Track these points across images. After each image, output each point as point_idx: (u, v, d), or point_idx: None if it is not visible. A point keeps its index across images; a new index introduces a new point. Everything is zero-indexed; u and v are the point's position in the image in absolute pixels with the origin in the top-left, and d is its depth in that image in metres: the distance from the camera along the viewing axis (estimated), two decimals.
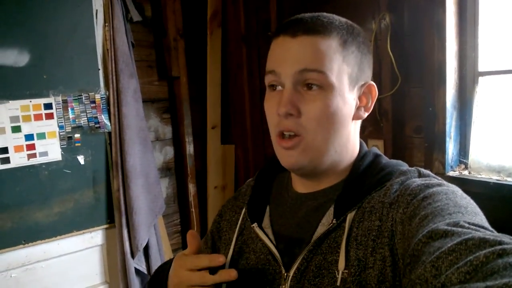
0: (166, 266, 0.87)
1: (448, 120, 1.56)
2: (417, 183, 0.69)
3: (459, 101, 1.59)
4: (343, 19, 0.76)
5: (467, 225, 0.53)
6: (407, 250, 0.58)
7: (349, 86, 0.74)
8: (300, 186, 0.82)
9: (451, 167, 1.59)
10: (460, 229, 0.51)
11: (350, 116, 0.75)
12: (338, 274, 0.67)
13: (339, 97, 0.72)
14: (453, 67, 1.56)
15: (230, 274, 0.70)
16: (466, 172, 1.57)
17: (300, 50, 0.71)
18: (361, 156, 0.80)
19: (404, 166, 0.78)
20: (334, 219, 0.71)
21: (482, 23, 1.52)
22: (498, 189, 1.43)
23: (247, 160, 2.51)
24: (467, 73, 1.57)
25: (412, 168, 0.76)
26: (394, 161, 0.79)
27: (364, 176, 0.76)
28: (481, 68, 1.54)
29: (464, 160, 1.60)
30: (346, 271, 0.67)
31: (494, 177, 1.49)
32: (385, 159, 0.80)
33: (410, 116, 1.69)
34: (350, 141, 0.78)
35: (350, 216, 0.71)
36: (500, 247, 0.43)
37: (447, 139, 1.57)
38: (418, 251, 0.53)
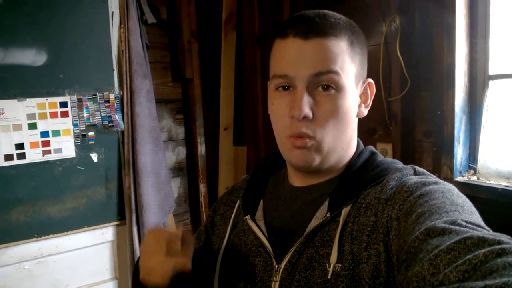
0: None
1: (457, 124, 1.53)
2: (413, 181, 0.69)
3: (468, 105, 1.56)
4: (345, 18, 0.76)
5: (464, 223, 0.53)
6: (402, 246, 0.58)
7: (355, 85, 0.75)
8: (296, 180, 0.82)
9: (460, 172, 1.56)
10: (458, 228, 0.51)
11: (354, 113, 0.77)
12: (329, 267, 0.68)
13: (349, 96, 0.73)
14: (463, 70, 1.53)
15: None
16: (474, 178, 1.54)
17: (314, 53, 0.71)
18: (357, 153, 0.81)
19: (399, 164, 0.79)
20: (328, 213, 0.72)
21: (493, 25, 1.50)
22: (507, 195, 1.40)
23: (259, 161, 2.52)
24: (477, 76, 1.54)
25: (407, 166, 0.77)
26: (389, 159, 0.81)
27: (360, 172, 0.77)
28: (491, 71, 1.52)
29: (473, 165, 1.57)
30: (339, 264, 0.67)
31: (503, 183, 1.46)
32: (380, 157, 0.81)
33: (419, 120, 1.67)
34: (353, 138, 0.80)
35: (345, 211, 0.71)
36: (499, 246, 0.43)
37: (456, 143, 1.54)
38: (415, 248, 0.53)
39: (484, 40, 1.52)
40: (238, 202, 0.89)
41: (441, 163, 1.57)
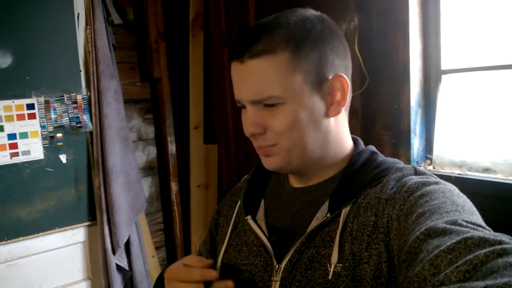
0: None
1: (413, 117, 1.61)
2: (414, 181, 0.69)
3: (423, 99, 1.64)
4: (294, 18, 0.72)
5: (465, 223, 0.53)
6: (403, 246, 0.58)
7: (310, 91, 0.72)
8: (295, 181, 0.84)
9: (417, 162, 1.65)
10: (458, 228, 0.51)
11: (320, 116, 0.74)
12: (330, 268, 0.68)
13: (302, 104, 0.72)
14: (417, 66, 1.61)
15: (227, 285, 0.72)
16: (430, 167, 1.63)
17: (249, 78, 0.71)
18: (357, 152, 0.80)
19: (400, 163, 0.78)
20: (329, 213, 0.72)
21: (444, 23, 1.58)
22: (459, 183, 1.47)
23: (229, 159, 2.57)
24: (431, 71, 1.62)
25: (409, 166, 0.77)
26: (390, 158, 0.80)
27: (360, 172, 0.76)
28: (444, 66, 1.60)
29: (429, 156, 1.65)
30: (340, 264, 0.68)
31: (456, 172, 1.55)
32: (381, 157, 0.80)
33: (379, 114, 1.74)
34: (331, 138, 0.77)
35: (345, 211, 0.72)
36: (500, 246, 0.43)
37: (412, 135, 1.62)
38: (416, 248, 0.53)
39: (436, 36, 1.60)
40: (239, 202, 0.90)
41: (399, 154, 1.65)
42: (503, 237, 0.47)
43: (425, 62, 1.63)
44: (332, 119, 0.76)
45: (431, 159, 1.65)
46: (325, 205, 0.75)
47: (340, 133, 0.79)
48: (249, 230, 0.82)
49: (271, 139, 0.74)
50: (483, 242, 0.46)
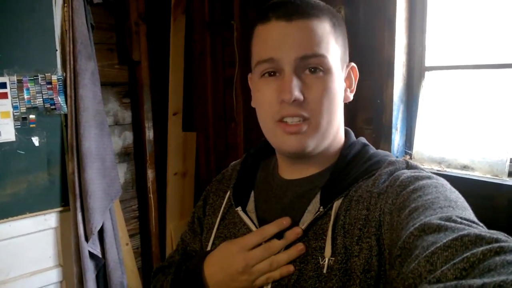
0: (183, 269, 0.84)
1: (395, 113, 1.62)
2: (406, 175, 0.69)
3: (406, 95, 1.65)
4: (323, 2, 0.75)
5: (459, 220, 0.53)
6: (395, 241, 0.58)
7: (340, 69, 0.75)
8: (286, 172, 0.82)
9: (397, 157, 1.66)
10: (453, 224, 0.51)
11: (342, 98, 0.77)
12: (323, 261, 0.68)
13: (336, 79, 0.72)
14: (402, 62, 1.62)
15: (295, 231, 0.70)
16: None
17: (299, 35, 0.70)
18: (348, 144, 0.79)
19: (392, 157, 0.78)
20: (321, 207, 0.71)
21: (430, 19, 1.59)
22: None
23: (208, 147, 2.54)
24: (415, 67, 1.63)
25: (401, 159, 0.76)
26: (381, 151, 0.80)
27: (352, 165, 0.76)
28: (427, 63, 1.61)
29: (409, 151, 1.67)
30: (333, 258, 0.67)
31: (435, 168, 1.57)
32: (372, 149, 0.80)
33: (361, 108, 1.74)
34: (341, 124, 0.79)
35: (336, 204, 0.71)
36: (497, 244, 0.43)
37: (393, 130, 1.63)
38: (410, 244, 0.52)
39: (421, 33, 1.61)
40: (228, 192, 0.87)
41: (379, 149, 1.66)
42: (499, 234, 0.47)
43: (409, 58, 1.64)
44: (342, 104, 0.78)
45: (410, 155, 1.66)
46: (317, 198, 0.74)
47: (343, 122, 0.81)
48: (240, 222, 0.80)
49: (307, 110, 0.70)
50: (479, 239, 0.45)
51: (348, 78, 0.79)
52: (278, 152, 0.82)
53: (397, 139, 1.65)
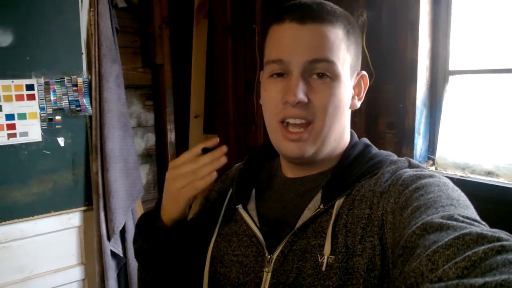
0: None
1: (417, 117, 1.60)
2: (409, 174, 0.69)
3: (429, 99, 1.63)
4: (341, 9, 0.76)
5: (461, 218, 0.52)
6: (398, 240, 0.58)
7: (349, 77, 0.75)
8: (290, 171, 0.82)
9: (420, 162, 1.64)
10: (455, 223, 0.51)
11: (349, 105, 0.77)
12: (322, 259, 0.68)
13: (343, 86, 0.73)
14: (425, 65, 1.60)
15: (222, 149, 0.73)
16: (433, 168, 1.62)
17: (310, 38, 0.70)
18: (351, 145, 0.80)
19: (394, 156, 0.79)
20: (322, 204, 0.71)
21: (455, 23, 1.57)
22: (461, 185, 1.46)
23: (228, 150, 2.54)
24: (439, 71, 1.61)
25: (402, 158, 0.76)
26: (383, 151, 0.80)
27: (354, 164, 0.76)
28: (451, 67, 1.59)
29: (432, 156, 1.64)
30: (332, 256, 0.67)
31: (458, 174, 1.54)
32: (375, 149, 0.80)
33: (383, 112, 1.72)
34: (345, 129, 0.79)
35: (338, 203, 0.71)
36: (499, 243, 0.43)
37: (416, 135, 1.61)
38: (412, 243, 0.52)
39: (445, 36, 1.58)
40: (230, 191, 0.88)
41: (401, 154, 1.64)
42: (501, 233, 0.46)
43: (433, 62, 1.61)
44: (349, 111, 0.78)
45: (433, 160, 1.64)
46: (318, 196, 0.74)
47: (348, 128, 0.81)
48: (240, 220, 0.81)
49: (310, 113, 0.71)
50: (481, 238, 0.45)
51: (357, 86, 0.79)
52: (280, 154, 0.83)
53: (419, 144, 1.62)
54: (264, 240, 0.75)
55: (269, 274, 0.72)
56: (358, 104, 0.80)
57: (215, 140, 0.73)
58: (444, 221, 0.52)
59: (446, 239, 0.47)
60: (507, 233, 0.47)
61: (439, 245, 0.47)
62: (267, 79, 0.75)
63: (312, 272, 0.68)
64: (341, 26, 0.72)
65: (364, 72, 0.80)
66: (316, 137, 0.73)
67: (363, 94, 0.81)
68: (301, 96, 0.69)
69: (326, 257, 0.67)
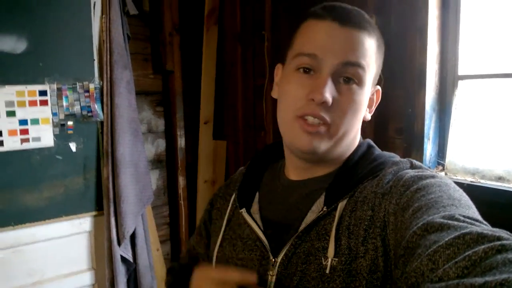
0: (183, 272, 0.86)
1: (427, 122, 1.60)
2: (410, 175, 0.69)
3: (438, 104, 1.63)
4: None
5: (462, 218, 0.53)
6: (400, 241, 0.58)
7: (371, 86, 0.77)
8: (294, 173, 0.82)
9: (429, 167, 1.63)
10: (456, 223, 0.51)
11: (364, 113, 0.78)
12: (326, 262, 0.68)
13: (365, 94, 0.74)
14: (434, 70, 1.60)
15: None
16: (442, 173, 1.61)
17: (348, 41, 0.71)
18: (356, 147, 0.80)
19: (396, 157, 0.79)
20: (325, 207, 0.71)
21: (463, 27, 1.57)
22: (472, 190, 1.46)
23: (237, 156, 2.56)
24: (447, 76, 1.61)
25: (405, 159, 0.77)
26: (386, 152, 0.81)
27: (357, 166, 0.76)
28: (461, 72, 1.58)
29: (441, 162, 1.63)
30: (336, 259, 0.67)
31: (468, 179, 1.53)
32: (377, 150, 0.81)
33: (392, 118, 1.72)
34: (357, 136, 0.80)
35: (341, 205, 0.71)
36: (499, 242, 0.43)
37: (426, 140, 1.61)
38: (413, 243, 0.53)
39: (454, 41, 1.58)
40: (234, 195, 0.88)
41: (411, 159, 1.63)
42: (502, 232, 0.46)
43: (442, 67, 1.61)
44: (362, 119, 0.79)
45: (443, 165, 1.63)
46: (321, 199, 0.74)
47: (359, 134, 0.82)
48: (244, 223, 0.81)
49: (330, 116, 0.71)
50: (481, 237, 0.45)
51: (371, 98, 0.80)
52: (288, 150, 0.82)
53: (429, 149, 1.62)
54: (268, 243, 0.75)
55: (274, 277, 0.72)
56: (369, 116, 0.81)
57: (253, 279, 0.67)
58: (445, 221, 0.52)
59: (446, 239, 0.47)
60: (508, 232, 0.47)
61: (440, 245, 0.47)
62: (293, 72, 0.74)
63: (316, 275, 0.68)
64: (375, 38, 0.74)
65: (379, 87, 0.81)
66: (331, 136, 0.73)
67: (374, 108, 0.82)
68: (328, 96, 0.69)
69: (330, 259, 0.67)
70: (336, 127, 0.73)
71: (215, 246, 0.86)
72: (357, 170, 0.75)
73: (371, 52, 0.73)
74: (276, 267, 0.72)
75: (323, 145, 0.73)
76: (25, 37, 1.83)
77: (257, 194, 0.85)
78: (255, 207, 0.82)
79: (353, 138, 0.78)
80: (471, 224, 0.51)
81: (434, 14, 1.57)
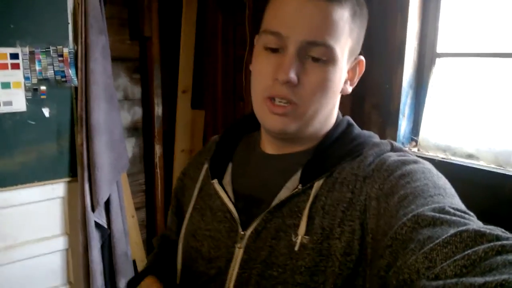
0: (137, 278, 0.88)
1: (403, 99, 1.61)
2: (393, 159, 0.68)
3: (416, 81, 1.64)
4: None
5: (452, 211, 0.53)
6: (385, 229, 0.58)
7: (347, 60, 0.72)
8: (269, 147, 0.80)
9: (403, 143, 1.66)
10: (447, 217, 0.51)
11: (340, 89, 0.74)
12: (296, 239, 0.67)
13: (338, 71, 0.70)
14: (413, 47, 1.60)
15: None
16: (415, 149, 1.64)
17: (314, 16, 0.66)
18: (335, 125, 0.78)
19: (376, 138, 0.78)
20: (300, 185, 0.70)
21: (444, 5, 1.56)
22: (442, 166, 1.48)
23: (216, 126, 2.55)
24: (426, 53, 1.61)
25: (385, 141, 0.76)
26: (366, 132, 0.79)
27: (335, 145, 0.75)
28: (439, 49, 1.59)
29: (415, 138, 1.66)
30: (307, 237, 0.67)
31: (440, 156, 1.56)
32: (357, 129, 0.79)
33: (369, 93, 1.73)
34: (332, 113, 0.77)
35: (317, 184, 0.70)
36: (499, 243, 0.42)
37: (401, 116, 1.63)
38: (403, 236, 0.52)
39: (434, 18, 1.58)
40: (206, 165, 0.86)
41: (385, 135, 1.66)
42: (498, 231, 0.46)
43: (421, 44, 1.62)
44: (339, 95, 0.76)
45: (416, 141, 1.66)
46: (297, 176, 0.73)
47: (335, 111, 0.79)
48: (215, 194, 0.79)
49: (298, 95, 0.69)
50: (479, 236, 0.45)
51: (352, 70, 0.76)
52: (263, 128, 0.80)
53: (404, 125, 1.64)
54: (238, 216, 0.74)
55: (241, 250, 0.72)
56: (350, 89, 0.77)
57: None
58: (437, 214, 0.52)
59: (443, 237, 0.47)
60: (503, 230, 0.47)
61: (436, 243, 0.46)
62: (261, 51, 0.72)
63: (285, 251, 0.68)
64: (348, 7, 0.69)
65: (362, 58, 0.77)
66: (299, 117, 0.71)
67: (356, 80, 0.78)
68: (292, 75, 0.67)
69: (300, 237, 0.67)
70: (304, 107, 0.70)
71: (186, 216, 0.85)
72: (335, 149, 0.74)
73: (342, 25, 0.68)
74: (245, 240, 0.72)
75: (292, 126, 0.72)
76: None
77: (230, 165, 0.83)
78: (227, 178, 0.81)
79: (328, 115, 0.76)
80: (462, 217, 0.52)
81: None
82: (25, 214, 1.98)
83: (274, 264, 0.68)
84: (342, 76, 0.73)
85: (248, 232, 0.72)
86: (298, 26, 0.67)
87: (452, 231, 0.47)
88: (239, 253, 0.72)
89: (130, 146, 2.36)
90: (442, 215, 0.52)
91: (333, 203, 0.68)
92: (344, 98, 1.74)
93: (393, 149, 0.73)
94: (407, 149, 0.74)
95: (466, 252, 0.43)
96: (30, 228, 2.00)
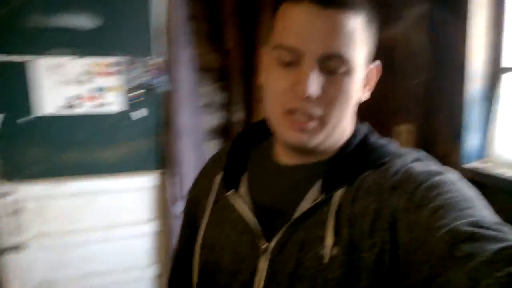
0: None
1: (472, 113, 1.59)
2: (420, 169, 0.67)
3: (485, 94, 1.60)
4: None
5: (487, 224, 0.52)
6: (419, 242, 0.57)
7: (363, 68, 0.70)
8: (285, 157, 0.77)
9: (471, 159, 1.62)
10: (483, 231, 0.51)
11: (358, 97, 0.73)
12: (325, 250, 0.65)
13: (356, 81, 0.69)
14: (479, 61, 1.57)
15: None
16: (485, 165, 1.60)
17: (330, 28, 0.64)
18: (353, 135, 0.77)
19: (397, 145, 0.76)
20: (324, 194, 0.69)
21: (510, 17, 1.51)
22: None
23: None
24: (492, 67, 1.57)
25: (407, 150, 0.74)
26: (385, 139, 0.77)
27: (355, 154, 0.73)
28: (505, 64, 1.55)
29: (485, 154, 1.62)
30: (336, 248, 0.65)
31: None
32: (375, 137, 0.77)
33: (439, 105, 1.72)
34: (350, 121, 0.76)
35: (339, 193, 0.68)
36: None
37: (470, 131, 1.60)
38: (441, 251, 0.52)
39: (500, 32, 1.54)
40: (219, 176, 0.82)
41: (453, 149, 1.63)
42: None
43: (487, 57, 1.58)
44: (356, 103, 0.74)
45: (486, 157, 1.62)
46: (317, 186, 0.71)
47: (352, 120, 0.77)
48: (232, 205, 0.76)
49: (318, 109, 0.67)
50: None
51: (368, 76, 0.74)
52: (281, 141, 0.77)
53: (473, 140, 1.61)
54: (260, 228, 0.72)
55: (266, 263, 0.69)
56: (367, 95, 0.75)
57: None
58: (473, 229, 0.52)
59: (485, 256, 0.47)
60: None
61: (479, 262, 0.46)
62: (274, 65, 0.69)
63: (313, 264, 0.66)
64: (363, 14, 0.67)
65: (378, 62, 0.75)
66: (321, 129, 0.69)
67: (372, 86, 0.76)
68: (312, 90, 0.64)
69: (329, 249, 0.65)
70: (325, 121, 0.68)
71: (201, 229, 0.81)
72: (355, 158, 0.73)
73: (358, 34, 0.66)
74: (269, 253, 0.69)
75: (313, 140, 0.70)
76: (98, 15, 2.06)
77: (246, 175, 0.80)
78: (243, 189, 0.78)
79: (345, 125, 0.74)
80: (498, 230, 0.51)
81: (482, 3, 1.53)
82: (121, 199, 2.27)
83: (303, 277, 0.66)
84: (360, 85, 0.71)
85: (272, 244, 0.69)
86: (313, 39, 0.64)
87: (492, 247, 0.47)
88: (264, 266, 0.70)
89: (211, 149, 2.57)
90: (477, 230, 0.51)
91: (359, 214, 0.66)
92: (413, 107, 1.73)
93: (418, 158, 0.72)
94: (432, 159, 0.73)
95: (509, 270, 0.43)
96: (125, 212, 2.29)
